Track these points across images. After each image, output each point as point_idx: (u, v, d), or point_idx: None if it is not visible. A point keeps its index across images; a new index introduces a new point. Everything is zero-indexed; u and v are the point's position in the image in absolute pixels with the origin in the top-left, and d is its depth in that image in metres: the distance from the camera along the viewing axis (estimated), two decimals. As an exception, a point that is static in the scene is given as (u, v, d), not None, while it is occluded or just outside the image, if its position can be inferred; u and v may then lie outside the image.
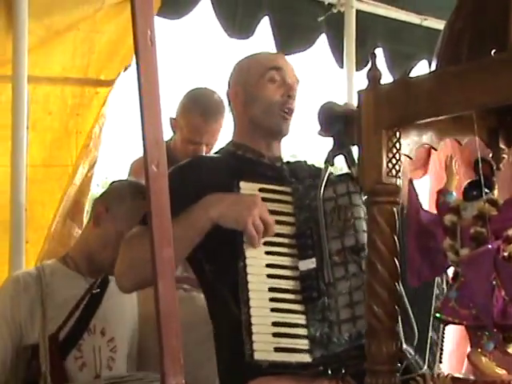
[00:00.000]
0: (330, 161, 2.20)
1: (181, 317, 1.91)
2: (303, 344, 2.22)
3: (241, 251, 2.26)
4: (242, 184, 2.34)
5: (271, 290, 2.25)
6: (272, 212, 2.31)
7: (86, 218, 3.55)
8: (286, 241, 2.32)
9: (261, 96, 2.56)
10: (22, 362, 2.74)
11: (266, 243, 2.29)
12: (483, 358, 1.61)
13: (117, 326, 2.88)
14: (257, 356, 2.16)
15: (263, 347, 2.18)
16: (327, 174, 2.23)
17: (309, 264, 2.27)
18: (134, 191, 2.89)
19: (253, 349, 2.16)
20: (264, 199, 2.32)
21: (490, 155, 1.86)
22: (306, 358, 2.21)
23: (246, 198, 2.31)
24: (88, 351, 2.78)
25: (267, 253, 2.29)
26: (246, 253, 2.26)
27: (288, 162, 2.62)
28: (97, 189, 5.48)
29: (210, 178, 2.44)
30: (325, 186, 2.24)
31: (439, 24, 4.07)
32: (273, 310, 2.23)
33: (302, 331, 2.23)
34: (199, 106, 3.47)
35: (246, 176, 2.41)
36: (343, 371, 2.25)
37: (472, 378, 1.62)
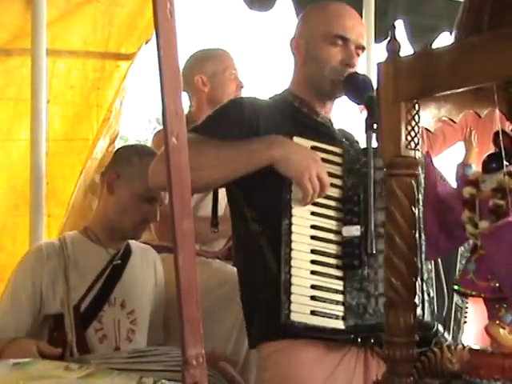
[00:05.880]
0: (373, 128, 2.14)
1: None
2: (338, 310, 2.24)
3: (287, 209, 2.26)
4: (296, 139, 2.33)
5: (313, 252, 2.25)
6: None
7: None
8: (332, 203, 2.32)
9: (320, 57, 2.53)
10: (44, 331, 2.77)
11: (312, 203, 2.28)
12: (501, 330, 1.60)
13: (138, 298, 2.90)
14: (293, 317, 2.17)
15: (300, 309, 2.19)
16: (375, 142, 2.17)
17: (353, 231, 2.26)
18: (139, 152, 2.92)
19: (290, 309, 2.17)
20: None
21: (511, 128, 1.85)
22: (340, 325, 2.23)
23: (309, 153, 2.29)
24: (108, 323, 2.81)
25: (313, 213, 2.29)
26: (292, 211, 2.26)
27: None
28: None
29: (267, 120, 2.43)
30: (374, 154, 2.16)
31: (460, -5, 4.03)
32: (312, 272, 2.24)
33: (339, 297, 2.25)
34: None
35: (299, 128, 2.41)
36: (372, 341, 2.27)
37: (490, 349, 1.62)
